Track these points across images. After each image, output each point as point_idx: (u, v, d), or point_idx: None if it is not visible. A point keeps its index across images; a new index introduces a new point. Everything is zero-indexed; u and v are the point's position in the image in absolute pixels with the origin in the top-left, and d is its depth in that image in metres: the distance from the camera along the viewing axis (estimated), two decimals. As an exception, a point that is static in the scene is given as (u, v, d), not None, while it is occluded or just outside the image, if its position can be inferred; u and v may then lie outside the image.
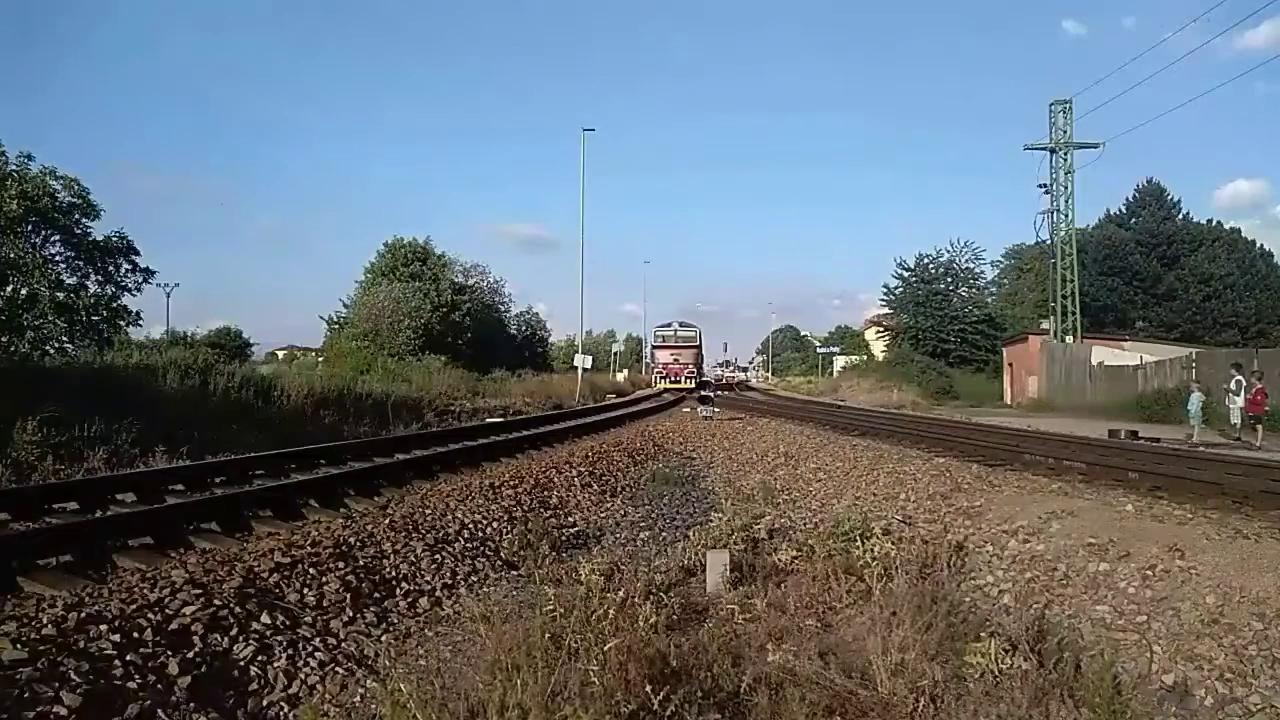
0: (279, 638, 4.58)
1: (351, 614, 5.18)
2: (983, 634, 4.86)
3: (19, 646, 3.81)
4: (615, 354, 72.40)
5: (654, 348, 52.14)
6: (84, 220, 16.87)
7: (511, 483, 9.45)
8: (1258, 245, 54.39)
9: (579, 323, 70.53)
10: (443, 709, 3.47)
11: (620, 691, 3.63)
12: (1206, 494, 8.08)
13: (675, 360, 47.84)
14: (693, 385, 46.57)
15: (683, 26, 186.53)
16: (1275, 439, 16.37)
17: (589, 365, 41.42)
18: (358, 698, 4.22)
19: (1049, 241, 39.22)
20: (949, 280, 53.63)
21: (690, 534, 7.50)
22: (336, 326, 40.48)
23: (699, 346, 51.88)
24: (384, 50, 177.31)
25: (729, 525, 7.28)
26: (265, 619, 4.69)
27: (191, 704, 3.83)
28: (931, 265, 53.76)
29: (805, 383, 77.78)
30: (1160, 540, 6.00)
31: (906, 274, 54.48)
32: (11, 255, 15.59)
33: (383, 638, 5.02)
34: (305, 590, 5.23)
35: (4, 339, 15.41)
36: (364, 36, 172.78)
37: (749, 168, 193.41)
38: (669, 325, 50.45)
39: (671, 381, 47.09)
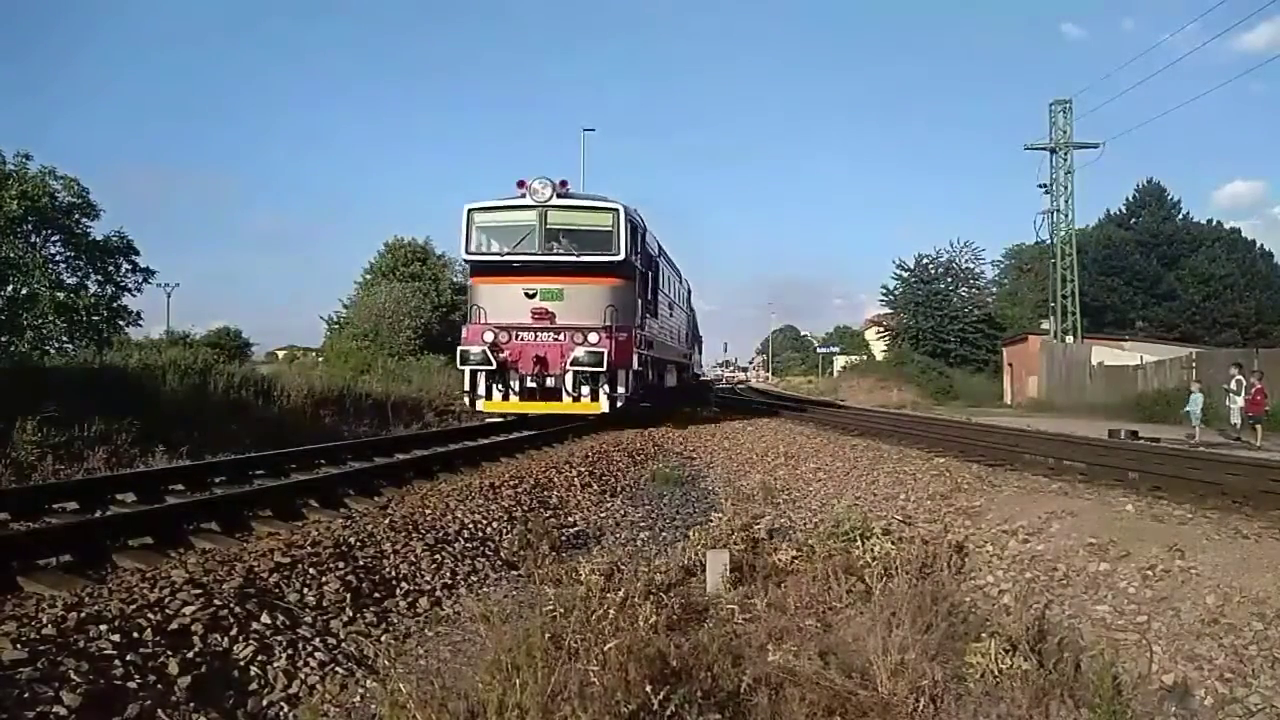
0: (279, 638, 4.57)
1: (351, 614, 5.17)
2: (983, 634, 4.86)
3: (19, 646, 3.81)
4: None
5: (474, 272, 15.70)
6: (84, 220, 16.90)
7: (511, 482, 9.44)
8: (1258, 245, 54.48)
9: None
10: (442, 709, 3.47)
11: (620, 691, 3.63)
12: (1206, 494, 8.07)
13: (548, 326, 14.53)
14: (604, 404, 14.34)
15: (683, 26, 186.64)
16: (1275, 439, 16.36)
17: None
18: (357, 698, 4.21)
19: (1049, 241, 39.28)
20: (949, 280, 53.59)
21: (690, 534, 7.49)
22: (336, 326, 40.44)
23: (648, 279, 17.30)
24: (386, 51, 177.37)
25: (729, 525, 7.28)
26: (265, 619, 4.69)
27: (191, 704, 3.82)
28: (931, 265, 53.73)
29: (805, 383, 77.70)
30: (1160, 540, 5.99)
31: (906, 274, 54.46)
32: (11, 255, 15.61)
33: (382, 638, 5.01)
34: (305, 590, 5.23)
35: (4, 339, 15.42)
36: (366, 37, 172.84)
37: (749, 167, 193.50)
38: (519, 198, 15.03)
39: (526, 392, 14.47)
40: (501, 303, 14.75)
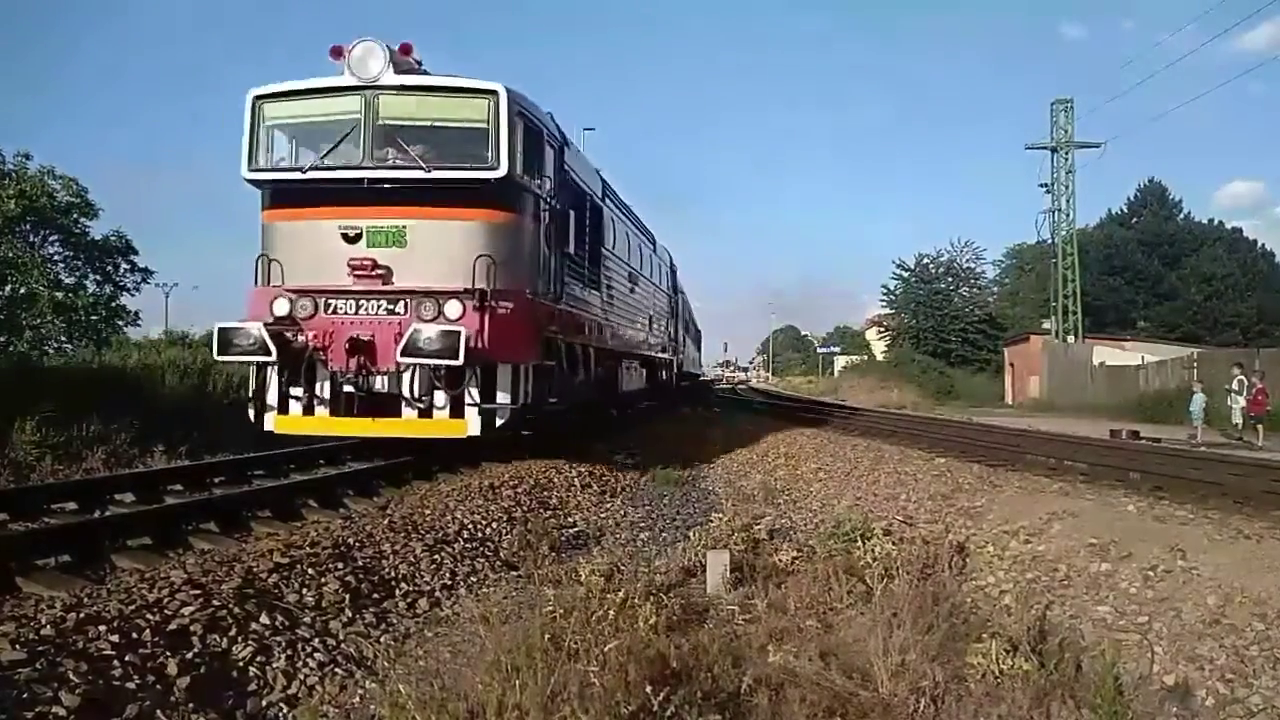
0: (278, 638, 4.56)
1: (350, 615, 5.16)
2: (984, 635, 4.85)
3: (18, 647, 3.80)
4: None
5: (267, 202, 9.44)
6: (82, 220, 16.90)
7: (511, 483, 9.43)
8: (1259, 245, 54.52)
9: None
10: (441, 710, 3.46)
11: (620, 692, 3.62)
12: (1208, 494, 8.07)
13: (379, 291, 8.83)
14: (471, 423, 8.80)
15: (685, 26, 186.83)
16: (1277, 439, 16.34)
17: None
18: (357, 698, 4.21)
19: (1050, 241, 39.26)
20: (949, 280, 53.62)
21: (690, 534, 7.48)
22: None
23: (572, 222, 11.03)
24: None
25: (729, 525, 7.27)
26: (264, 619, 4.68)
27: (190, 704, 3.82)
28: (931, 265, 53.80)
29: (806, 383, 77.64)
30: (1162, 541, 5.99)
31: (906, 274, 54.50)
32: (10, 255, 15.62)
33: (382, 638, 5.01)
34: (304, 591, 5.22)
35: (3, 339, 15.44)
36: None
37: (749, 167, 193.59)
38: (336, 77, 9.03)
39: (344, 401, 8.91)
40: (306, 251, 9.01)
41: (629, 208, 16.32)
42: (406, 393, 8.66)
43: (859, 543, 6.39)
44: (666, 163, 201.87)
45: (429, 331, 8.19)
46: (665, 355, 21.86)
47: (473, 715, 3.49)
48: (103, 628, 4.12)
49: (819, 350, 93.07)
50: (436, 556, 6.53)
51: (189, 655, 4.14)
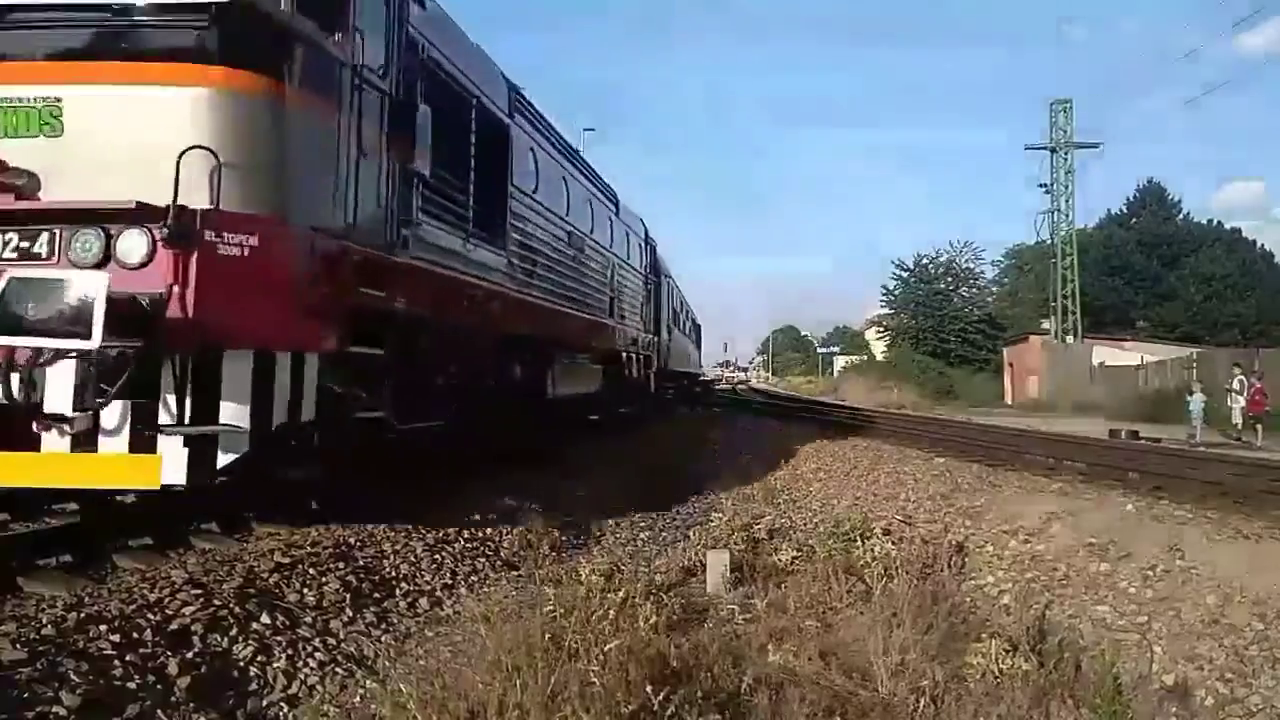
0: (278, 638, 4.56)
1: (351, 614, 5.16)
2: (983, 634, 4.87)
3: (18, 646, 3.80)
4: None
5: None
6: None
7: (511, 483, 9.43)
8: (1258, 245, 54.59)
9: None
10: (442, 709, 3.47)
11: (620, 692, 3.62)
12: (1207, 494, 8.08)
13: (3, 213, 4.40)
14: (170, 460, 4.76)
15: (687, 26, 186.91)
16: (1275, 439, 16.36)
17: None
18: (357, 698, 4.21)
19: (1049, 241, 39.32)
20: (949, 280, 53.63)
21: (690, 534, 7.49)
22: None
23: (423, 121, 6.23)
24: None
25: (729, 525, 7.29)
26: (265, 619, 4.68)
27: (191, 704, 3.82)
28: (931, 265, 53.81)
29: (806, 383, 77.69)
30: (1161, 540, 6.00)
31: (906, 274, 54.53)
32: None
33: (382, 638, 5.01)
34: (305, 590, 5.22)
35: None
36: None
37: (749, 167, 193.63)
38: None
39: None
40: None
41: (570, 147, 12.15)
42: (49, 406, 4.75)
43: (858, 542, 6.40)
44: (666, 157, 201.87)
45: (34, 285, 4.36)
46: (637, 350, 16.77)
47: (473, 714, 3.49)
48: (103, 627, 4.12)
49: (819, 350, 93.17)
50: (437, 556, 6.53)
51: (190, 655, 4.14)
